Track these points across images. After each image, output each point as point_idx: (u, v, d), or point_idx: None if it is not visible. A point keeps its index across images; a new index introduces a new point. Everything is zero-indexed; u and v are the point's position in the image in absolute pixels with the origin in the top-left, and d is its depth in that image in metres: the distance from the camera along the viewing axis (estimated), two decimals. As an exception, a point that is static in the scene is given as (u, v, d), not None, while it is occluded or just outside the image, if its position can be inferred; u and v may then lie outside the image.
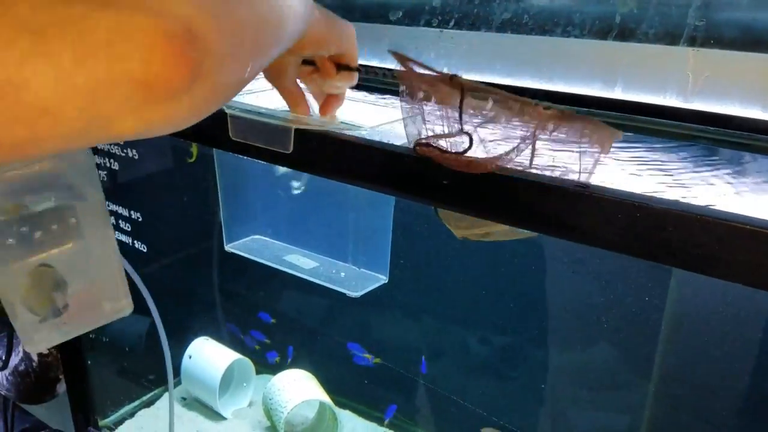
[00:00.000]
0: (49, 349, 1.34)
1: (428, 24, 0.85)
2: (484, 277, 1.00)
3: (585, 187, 0.52)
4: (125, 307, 0.74)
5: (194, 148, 0.99)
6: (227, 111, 0.74)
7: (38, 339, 0.67)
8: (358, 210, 0.72)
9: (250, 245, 0.85)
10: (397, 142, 0.74)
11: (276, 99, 0.85)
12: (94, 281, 0.70)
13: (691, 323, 0.80)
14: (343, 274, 0.75)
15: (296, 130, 0.69)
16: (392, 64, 0.90)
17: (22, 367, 1.41)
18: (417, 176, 0.61)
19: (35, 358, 1.36)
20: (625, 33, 0.71)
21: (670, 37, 0.68)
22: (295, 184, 0.84)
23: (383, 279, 0.76)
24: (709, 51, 0.65)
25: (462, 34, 0.82)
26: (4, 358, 1.37)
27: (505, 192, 0.55)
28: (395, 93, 0.86)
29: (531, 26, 0.77)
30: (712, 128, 0.64)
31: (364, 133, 0.68)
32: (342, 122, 0.72)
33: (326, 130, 0.68)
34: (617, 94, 0.70)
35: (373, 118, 0.81)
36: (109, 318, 0.72)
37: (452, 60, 0.83)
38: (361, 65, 0.91)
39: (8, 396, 1.50)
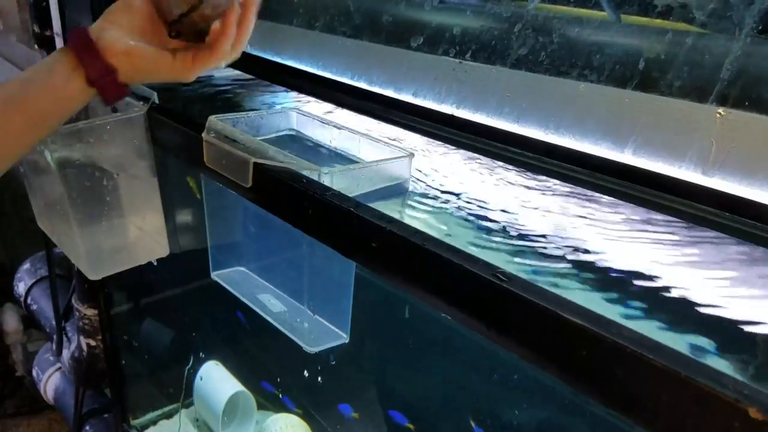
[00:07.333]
0: (96, 341, 1.38)
1: (446, 53, 0.76)
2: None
3: (507, 279, 0.42)
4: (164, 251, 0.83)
5: (193, 184, 0.95)
6: (204, 136, 0.70)
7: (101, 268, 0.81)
8: (313, 257, 0.65)
9: (233, 276, 0.80)
10: (386, 182, 0.67)
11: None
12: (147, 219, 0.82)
13: None
14: (306, 324, 0.68)
15: (257, 164, 0.63)
16: (406, 96, 0.82)
17: (76, 354, 1.47)
18: (349, 232, 0.53)
19: (85, 348, 1.41)
20: (646, 83, 0.58)
21: (698, 93, 0.55)
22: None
23: (344, 338, 0.68)
24: (740, 113, 0.52)
25: (477, 68, 0.72)
26: (56, 345, 1.43)
27: (432, 267, 0.46)
28: (401, 125, 0.78)
29: (546, 65, 0.66)
30: (728, 214, 0.50)
31: (326, 177, 0.60)
32: (309, 161, 0.65)
33: (287, 168, 0.62)
34: (626, 157, 0.58)
35: (368, 152, 0.74)
36: (150, 257, 0.83)
37: (463, 95, 0.73)
38: (372, 92, 0.83)
39: (71, 378, 1.57)
